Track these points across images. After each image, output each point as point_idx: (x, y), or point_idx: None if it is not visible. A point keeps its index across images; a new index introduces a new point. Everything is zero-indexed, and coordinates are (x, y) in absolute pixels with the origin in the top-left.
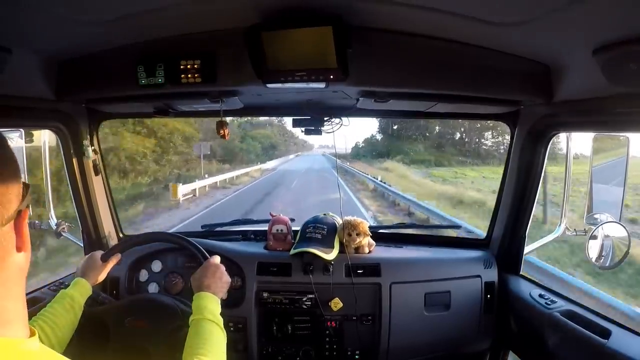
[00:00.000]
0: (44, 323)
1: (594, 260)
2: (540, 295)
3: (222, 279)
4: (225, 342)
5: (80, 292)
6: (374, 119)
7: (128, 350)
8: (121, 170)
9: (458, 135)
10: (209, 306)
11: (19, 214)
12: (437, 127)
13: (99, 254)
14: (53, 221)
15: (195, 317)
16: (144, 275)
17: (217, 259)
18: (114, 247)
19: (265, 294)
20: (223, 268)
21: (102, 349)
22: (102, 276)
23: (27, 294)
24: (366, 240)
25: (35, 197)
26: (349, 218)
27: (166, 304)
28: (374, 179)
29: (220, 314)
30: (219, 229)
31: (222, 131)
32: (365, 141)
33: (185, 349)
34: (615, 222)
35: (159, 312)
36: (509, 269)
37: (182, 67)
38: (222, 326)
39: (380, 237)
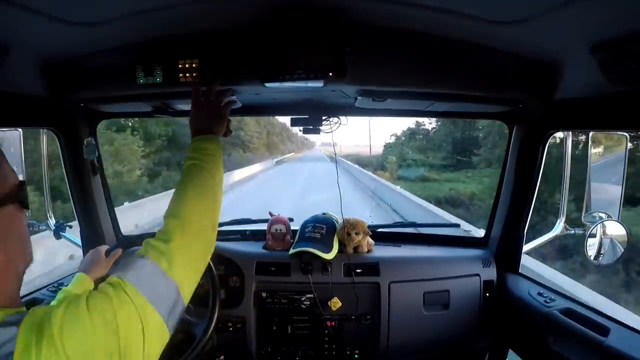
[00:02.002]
0: None
1: (592, 258)
2: (539, 294)
3: (218, 116)
4: (218, 179)
5: (81, 288)
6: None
7: None
8: None
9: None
10: (206, 145)
11: None
12: None
13: (103, 248)
14: (52, 221)
15: (188, 161)
16: None
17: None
18: (119, 244)
19: (264, 294)
20: (220, 100)
21: None
22: (104, 271)
23: (26, 295)
24: (365, 240)
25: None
26: (348, 217)
27: None
28: None
29: (218, 314)
30: (217, 229)
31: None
32: (406, 136)
33: (171, 198)
34: (613, 220)
35: None
36: (508, 268)
37: (180, 66)
38: (214, 162)
39: (379, 236)
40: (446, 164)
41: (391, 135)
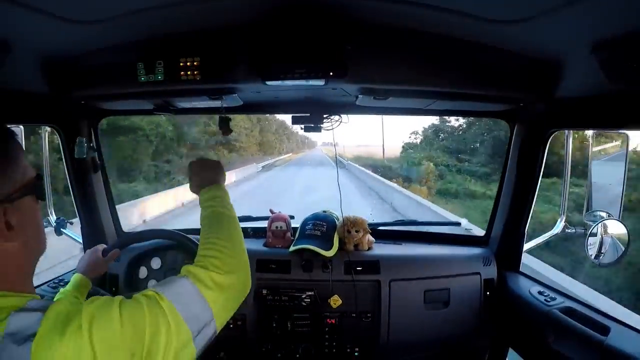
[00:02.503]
0: None
1: (593, 257)
2: (540, 292)
3: (217, 168)
4: (237, 223)
5: (79, 288)
6: None
7: None
8: None
9: None
10: (218, 193)
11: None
12: None
13: (101, 248)
14: (52, 218)
15: (206, 211)
16: (143, 272)
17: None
18: (116, 242)
19: (264, 291)
20: (216, 159)
21: None
22: (102, 271)
23: None
24: (366, 238)
25: None
26: (348, 215)
27: None
28: None
29: None
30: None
31: (225, 128)
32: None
33: (200, 240)
34: (614, 219)
35: None
36: (508, 266)
37: (181, 64)
38: (230, 208)
39: (379, 234)
40: (487, 171)
41: (412, 134)
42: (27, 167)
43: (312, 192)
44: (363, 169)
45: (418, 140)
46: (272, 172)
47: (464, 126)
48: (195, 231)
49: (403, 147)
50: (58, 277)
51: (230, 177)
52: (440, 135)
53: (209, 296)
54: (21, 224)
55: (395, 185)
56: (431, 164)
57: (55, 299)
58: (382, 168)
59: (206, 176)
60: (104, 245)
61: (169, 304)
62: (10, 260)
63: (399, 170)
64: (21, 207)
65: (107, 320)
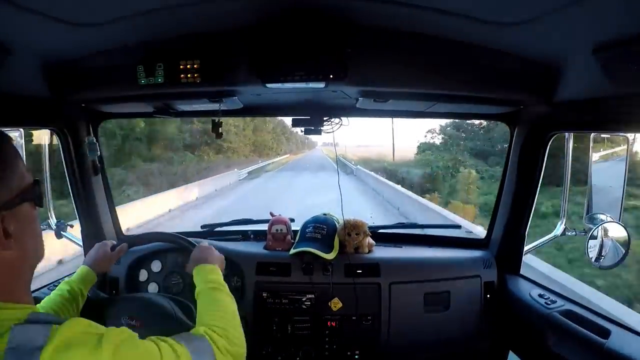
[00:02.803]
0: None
1: (593, 260)
2: (540, 295)
3: (215, 255)
4: (235, 304)
5: (83, 281)
6: None
7: None
8: None
9: None
10: (210, 276)
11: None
12: None
13: (110, 243)
14: (53, 220)
15: (200, 290)
16: (143, 275)
17: (205, 243)
18: (124, 242)
19: (264, 294)
20: (213, 248)
21: None
22: (109, 266)
23: None
24: (366, 240)
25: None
26: (349, 218)
27: (164, 308)
28: None
29: None
30: (218, 229)
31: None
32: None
33: (197, 321)
34: (614, 221)
35: (156, 315)
36: (509, 269)
37: (181, 67)
38: (228, 291)
39: (379, 237)
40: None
41: (428, 132)
42: (25, 172)
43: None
44: (377, 176)
45: (436, 140)
46: (259, 180)
47: (490, 124)
48: (193, 234)
49: (418, 147)
50: (58, 279)
51: (191, 194)
52: (462, 134)
53: (222, 357)
54: (19, 232)
55: (435, 206)
56: (472, 172)
57: (58, 288)
58: (400, 174)
59: (198, 260)
60: (113, 242)
61: (187, 354)
62: (8, 268)
63: (421, 178)
64: (19, 214)
65: (132, 350)
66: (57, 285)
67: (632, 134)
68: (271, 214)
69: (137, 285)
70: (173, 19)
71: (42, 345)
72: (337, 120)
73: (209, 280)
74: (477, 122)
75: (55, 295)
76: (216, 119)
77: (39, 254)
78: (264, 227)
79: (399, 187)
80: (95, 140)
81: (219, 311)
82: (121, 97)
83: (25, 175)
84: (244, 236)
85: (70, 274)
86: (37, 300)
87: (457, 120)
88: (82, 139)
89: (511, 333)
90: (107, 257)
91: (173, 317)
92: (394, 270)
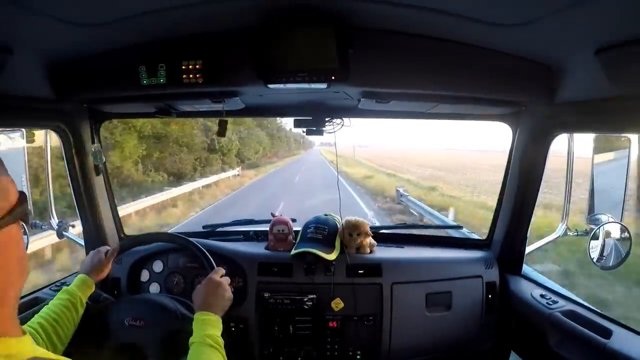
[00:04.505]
0: (45, 322)
1: (595, 260)
2: (542, 296)
3: (225, 297)
4: None
5: (82, 289)
6: None
7: (126, 350)
8: None
9: None
10: (209, 331)
11: None
12: None
13: (104, 249)
14: (55, 221)
15: (195, 341)
16: (145, 275)
17: (221, 272)
18: (124, 243)
19: (266, 294)
20: (226, 283)
21: (100, 346)
22: (106, 272)
23: (28, 295)
24: (367, 241)
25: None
26: (349, 218)
27: (166, 306)
28: None
29: (222, 318)
30: (220, 229)
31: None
32: None
33: None
34: (616, 222)
35: (158, 313)
36: (510, 270)
37: (183, 67)
38: (223, 350)
39: (381, 237)
40: None
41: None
42: (10, 186)
43: None
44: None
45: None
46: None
47: None
48: (194, 235)
49: None
50: (61, 280)
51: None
52: None
53: None
54: (2, 258)
55: None
56: None
57: (57, 297)
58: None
59: (204, 301)
60: (107, 247)
61: None
62: None
63: None
64: (2, 237)
65: None
66: (59, 286)
67: (634, 135)
68: (272, 214)
69: (139, 286)
70: (175, 20)
71: None
72: (338, 121)
73: (208, 335)
74: None
75: (55, 305)
76: (224, 119)
77: (23, 279)
78: (265, 227)
79: None
80: (100, 147)
81: None
82: (123, 98)
83: (10, 190)
84: (246, 236)
85: (65, 278)
86: (39, 300)
87: None
88: (84, 139)
89: (513, 333)
90: (102, 264)
91: (177, 316)
92: (396, 270)
